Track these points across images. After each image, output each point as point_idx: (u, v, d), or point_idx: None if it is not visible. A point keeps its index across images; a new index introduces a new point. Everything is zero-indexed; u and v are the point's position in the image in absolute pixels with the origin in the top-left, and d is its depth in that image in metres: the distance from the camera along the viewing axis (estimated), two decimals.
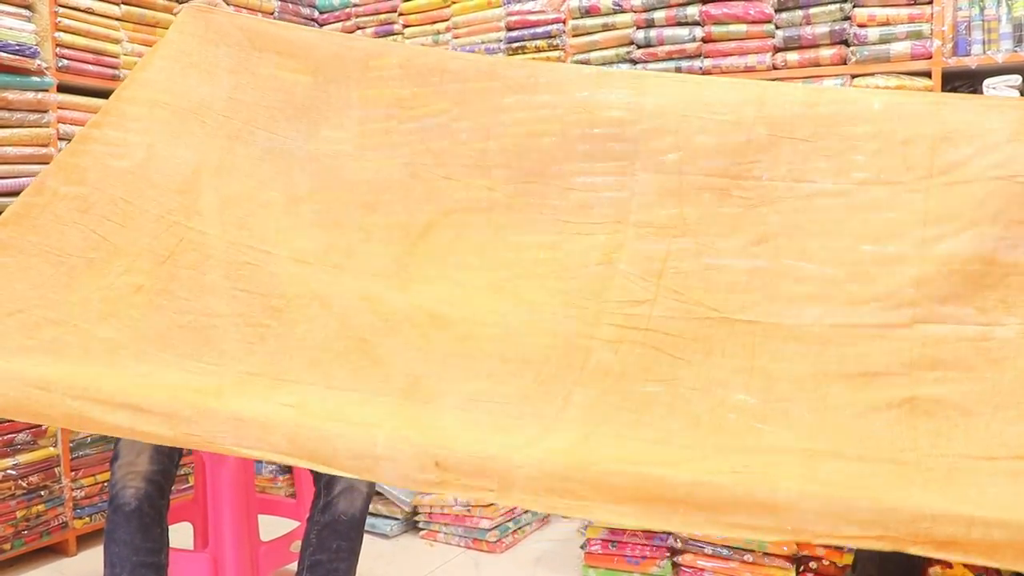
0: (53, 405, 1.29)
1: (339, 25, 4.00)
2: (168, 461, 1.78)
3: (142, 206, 1.66)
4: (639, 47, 3.33)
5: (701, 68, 3.22)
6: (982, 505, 1.07)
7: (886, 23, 2.96)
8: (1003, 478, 1.20)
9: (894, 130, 1.54)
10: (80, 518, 2.99)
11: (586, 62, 3.42)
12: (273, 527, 2.50)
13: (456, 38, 3.71)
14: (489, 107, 1.78)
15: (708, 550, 2.46)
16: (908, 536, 1.01)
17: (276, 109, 1.82)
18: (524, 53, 3.54)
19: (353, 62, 1.84)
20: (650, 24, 3.30)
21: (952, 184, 1.49)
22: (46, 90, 2.88)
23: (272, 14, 3.80)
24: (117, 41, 3.13)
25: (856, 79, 2.98)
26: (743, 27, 3.15)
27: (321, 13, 4.06)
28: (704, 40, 3.22)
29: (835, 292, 1.48)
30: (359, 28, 3.94)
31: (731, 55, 3.18)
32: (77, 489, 2.98)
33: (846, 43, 3.04)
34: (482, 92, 1.80)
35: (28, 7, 2.86)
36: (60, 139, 2.94)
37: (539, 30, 3.51)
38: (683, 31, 3.24)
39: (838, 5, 3.02)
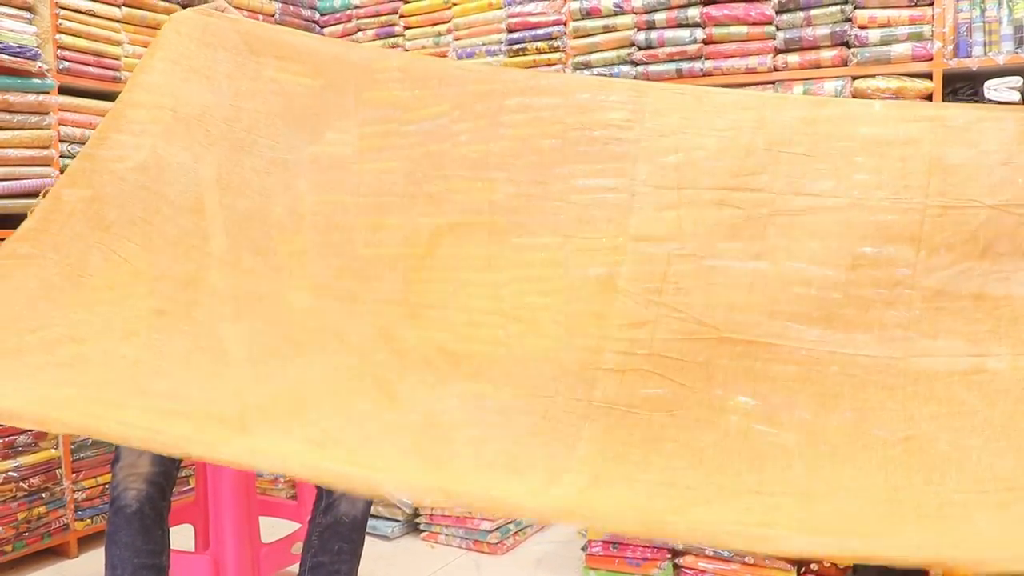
0: (70, 426, 1.30)
1: (340, 27, 4.00)
2: (169, 463, 1.78)
3: (160, 226, 1.65)
4: (640, 49, 3.33)
5: (702, 70, 3.22)
6: (971, 547, 1.11)
7: (887, 25, 2.96)
8: (992, 511, 1.21)
9: (892, 147, 1.54)
10: (81, 520, 2.99)
11: (587, 64, 3.43)
12: (274, 529, 2.50)
13: (457, 40, 3.71)
14: (490, 109, 1.78)
15: (709, 552, 2.46)
16: None
17: (276, 116, 1.80)
18: (525, 55, 3.54)
19: (352, 67, 1.83)
20: (651, 26, 3.30)
21: (947, 209, 1.49)
22: (47, 92, 2.88)
23: (272, 16, 3.80)
24: (118, 43, 3.13)
25: (857, 80, 2.98)
26: (744, 29, 3.15)
27: (322, 15, 4.06)
28: (705, 42, 3.22)
29: (833, 314, 1.49)
30: (360, 30, 3.94)
31: (732, 57, 3.18)
32: (78, 491, 2.98)
33: (847, 45, 3.04)
34: (482, 94, 1.80)
35: (29, 9, 2.86)
36: (61, 141, 2.94)
37: (540, 32, 3.51)
38: (684, 33, 3.24)
39: (839, 7, 3.02)
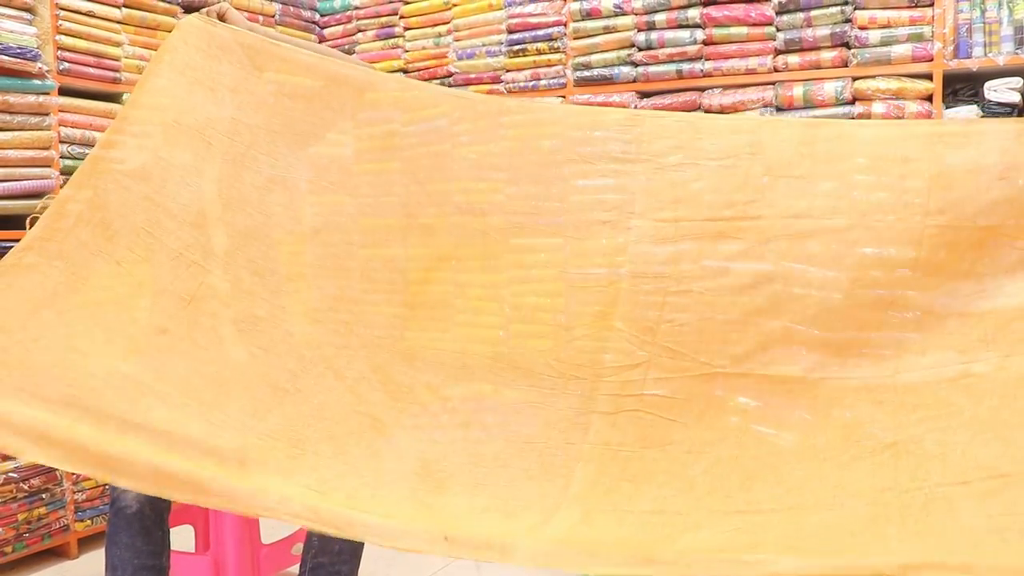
0: (72, 461, 1.32)
1: (340, 28, 4.00)
2: None
3: (162, 239, 1.64)
4: (640, 49, 3.33)
5: (702, 71, 3.22)
6: (953, 549, 1.15)
7: (887, 25, 2.96)
8: (975, 501, 1.23)
9: (891, 166, 1.53)
10: (81, 521, 2.99)
11: (587, 65, 3.43)
12: (274, 529, 2.49)
13: (457, 41, 3.71)
14: (490, 111, 1.78)
15: None
16: None
17: (276, 133, 1.79)
18: (525, 56, 3.54)
19: (349, 83, 1.83)
20: (651, 27, 3.30)
21: (944, 229, 1.49)
22: (47, 93, 2.88)
23: (273, 17, 3.80)
24: (118, 44, 3.13)
25: (857, 81, 2.98)
26: (744, 30, 3.15)
27: (322, 16, 4.06)
28: (705, 43, 3.22)
29: (829, 340, 1.50)
30: (360, 31, 3.95)
31: (732, 58, 3.18)
32: (78, 492, 2.98)
33: (847, 45, 3.04)
34: (481, 100, 1.80)
35: (29, 10, 2.86)
36: (61, 142, 2.94)
37: (540, 32, 3.51)
38: (684, 34, 3.24)
39: (839, 7, 3.02)
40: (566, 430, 1.56)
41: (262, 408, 1.55)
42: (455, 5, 3.70)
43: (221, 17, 1.82)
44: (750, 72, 3.15)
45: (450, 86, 3.73)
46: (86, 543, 3.03)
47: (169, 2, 3.31)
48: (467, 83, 3.69)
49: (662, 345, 1.57)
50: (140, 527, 1.70)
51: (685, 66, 3.25)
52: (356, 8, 3.95)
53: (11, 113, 2.78)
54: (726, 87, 3.22)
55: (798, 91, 3.04)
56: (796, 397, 1.47)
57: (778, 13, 3.10)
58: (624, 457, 1.50)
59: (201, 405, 1.49)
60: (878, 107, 2.94)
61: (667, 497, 1.42)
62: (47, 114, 2.88)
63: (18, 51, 2.76)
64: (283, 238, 1.75)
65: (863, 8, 2.99)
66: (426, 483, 1.49)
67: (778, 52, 3.13)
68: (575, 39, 3.45)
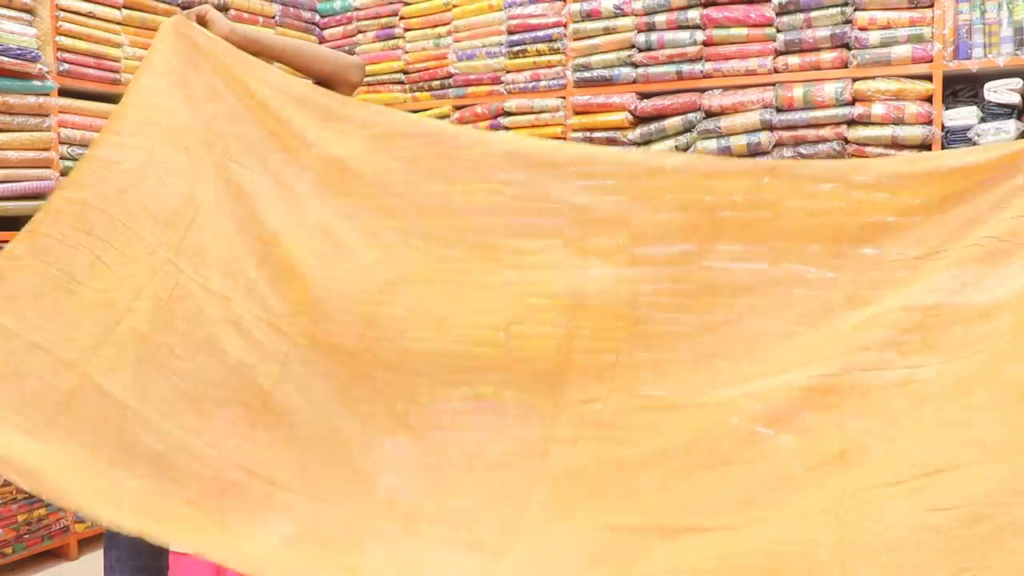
0: (65, 499, 1.43)
1: (340, 29, 4.01)
2: None
3: (139, 233, 1.65)
4: (640, 50, 3.33)
5: (702, 71, 3.22)
6: (873, 551, 1.21)
7: (887, 26, 2.96)
8: (905, 500, 1.25)
9: (830, 215, 1.54)
10: (81, 522, 2.99)
11: (587, 66, 3.43)
12: None
13: (457, 42, 3.71)
14: (448, 147, 1.77)
15: None
16: None
17: (251, 144, 1.78)
18: (525, 56, 3.54)
19: (318, 106, 1.82)
20: (651, 27, 3.30)
21: (879, 263, 1.50)
22: (47, 94, 2.89)
23: (273, 18, 3.80)
24: (118, 45, 3.14)
25: (857, 82, 2.98)
26: (744, 31, 3.15)
27: (322, 16, 4.06)
28: (705, 43, 3.22)
29: (771, 366, 1.51)
30: (360, 32, 3.95)
31: (732, 59, 3.18)
32: None
33: (847, 46, 3.04)
34: (456, 134, 1.81)
35: (29, 11, 2.86)
36: (61, 143, 2.94)
37: (540, 34, 3.51)
38: (684, 34, 3.24)
39: (839, 9, 3.02)
40: (528, 455, 1.60)
41: (239, 435, 1.60)
42: (455, 6, 3.70)
43: (202, 19, 1.81)
44: (750, 73, 3.15)
45: (450, 87, 3.73)
46: (86, 544, 3.03)
47: (169, 3, 3.31)
48: (467, 84, 3.69)
49: (620, 385, 1.60)
50: None
51: (685, 67, 3.25)
52: (356, 9, 3.95)
53: (11, 114, 2.78)
54: (726, 88, 3.22)
55: (798, 92, 3.04)
56: (735, 457, 1.50)
57: (778, 14, 3.10)
58: (580, 479, 1.55)
59: (183, 431, 1.56)
60: (878, 108, 2.94)
61: (621, 513, 1.48)
62: (47, 115, 2.88)
63: (18, 52, 2.77)
64: (250, 245, 1.75)
65: (863, 9, 2.99)
66: (393, 521, 1.56)
67: (778, 53, 3.13)
68: (575, 40, 3.45)
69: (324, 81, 1.97)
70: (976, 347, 1.36)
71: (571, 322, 1.62)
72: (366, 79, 3.91)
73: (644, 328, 1.58)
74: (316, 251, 1.73)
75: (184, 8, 3.35)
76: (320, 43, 3.98)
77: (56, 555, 2.97)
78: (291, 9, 3.91)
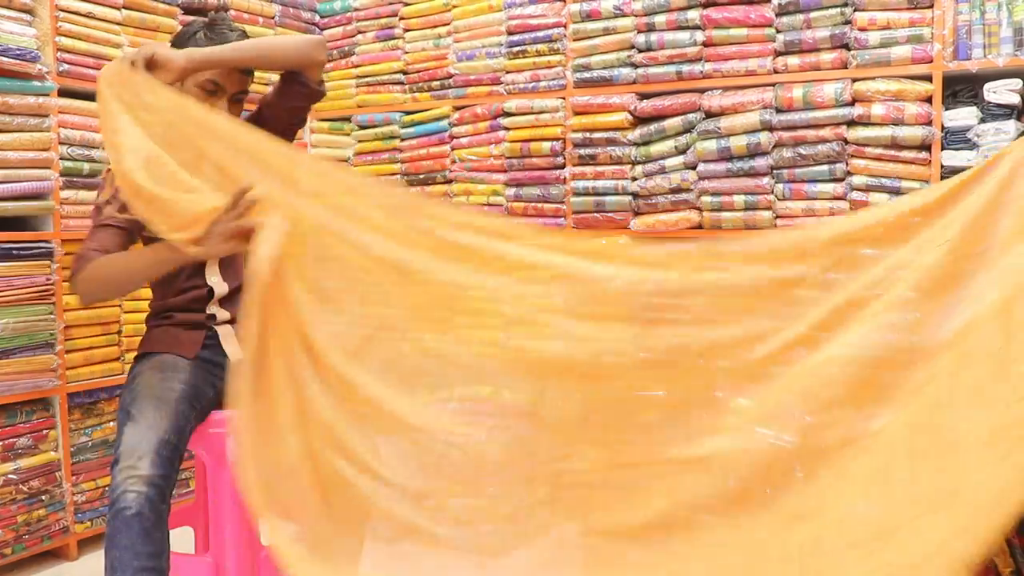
0: None
1: (339, 29, 4.00)
2: (169, 465, 1.77)
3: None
4: (640, 51, 3.33)
5: (702, 72, 3.22)
6: None
7: (887, 27, 2.96)
8: (863, 562, 1.29)
9: (786, 285, 1.58)
10: (81, 522, 2.99)
11: (587, 66, 3.43)
12: None
13: (457, 42, 3.71)
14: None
15: None
16: None
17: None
18: (525, 57, 3.54)
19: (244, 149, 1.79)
20: (651, 28, 3.30)
21: (846, 306, 1.53)
22: (47, 94, 2.88)
23: (272, 18, 3.80)
24: (118, 45, 3.13)
25: (857, 83, 2.98)
26: (744, 31, 3.15)
27: (322, 17, 4.06)
28: (705, 44, 3.22)
29: (735, 419, 1.54)
30: (360, 32, 3.95)
31: (732, 59, 3.18)
32: (78, 493, 2.98)
33: (847, 47, 3.04)
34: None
35: (29, 11, 2.86)
36: (61, 143, 2.94)
37: (540, 34, 3.51)
38: (684, 35, 3.24)
39: (839, 9, 3.02)
40: (510, 520, 1.63)
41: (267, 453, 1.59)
42: (455, 6, 3.70)
43: (150, 62, 1.81)
44: (750, 73, 3.16)
45: (450, 87, 3.73)
46: (86, 545, 3.03)
47: (169, 3, 3.31)
48: (467, 84, 3.69)
49: (589, 439, 1.64)
50: (140, 528, 1.70)
51: (685, 67, 3.25)
52: (356, 9, 3.95)
53: (10, 114, 2.78)
54: (726, 88, 3.22)
55: (798, 92, 3.04)
56: (705, 516, 1.53)
57: (778, 15, 3.10)
58: (555, 539, 1.58)
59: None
60: (877, 108, 2.94)
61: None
62: (47, 115, 2.88)
63: (18, 52, 2.76)
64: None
65: (863, 10, 2.99)
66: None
67: (778, 54, 3.13)
68: (575, 40, 3.45)
69: (295, 72, 2.00)
70: (920, 393, 1.39)
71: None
72: (366, 80, 3.91)
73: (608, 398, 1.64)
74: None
75: (184, 8, 3.35)
76: None
77: (56, 555, 2.97)
78: (291, 9, 3.91)
